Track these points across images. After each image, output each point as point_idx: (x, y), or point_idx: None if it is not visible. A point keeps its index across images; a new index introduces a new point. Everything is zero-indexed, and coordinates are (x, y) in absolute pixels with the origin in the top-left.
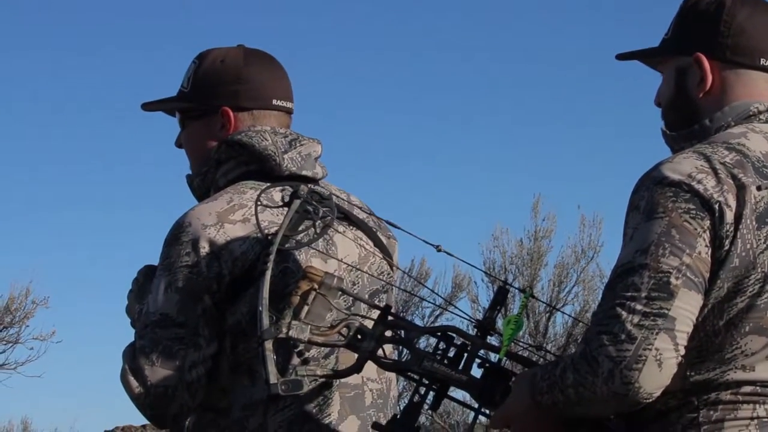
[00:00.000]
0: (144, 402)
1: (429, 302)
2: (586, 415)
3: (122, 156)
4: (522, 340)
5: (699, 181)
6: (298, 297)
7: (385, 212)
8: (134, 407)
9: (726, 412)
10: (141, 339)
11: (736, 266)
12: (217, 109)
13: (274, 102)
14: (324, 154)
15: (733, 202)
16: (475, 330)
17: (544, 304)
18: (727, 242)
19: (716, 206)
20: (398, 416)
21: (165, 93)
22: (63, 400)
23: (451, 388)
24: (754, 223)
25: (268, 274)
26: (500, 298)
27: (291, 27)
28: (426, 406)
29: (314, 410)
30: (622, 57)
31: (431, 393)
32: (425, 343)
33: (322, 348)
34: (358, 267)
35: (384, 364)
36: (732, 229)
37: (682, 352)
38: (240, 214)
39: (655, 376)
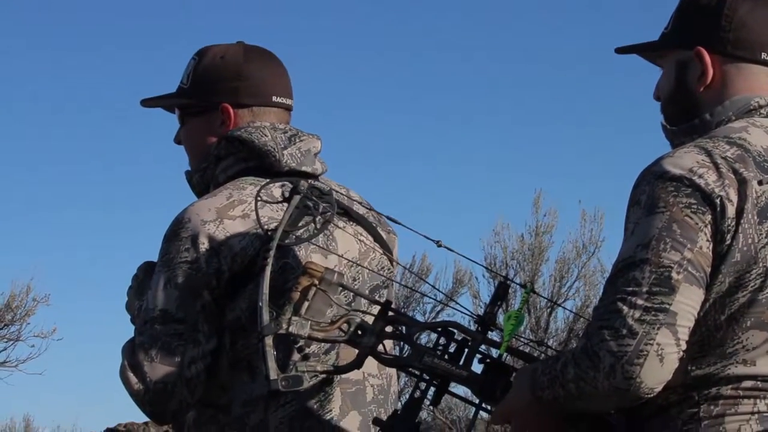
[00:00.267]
0: (143, 398)
1: (430, 298)
2: (586, 409)
3: (122, 154)
4: (523, 335)
5: (700, 176)
6: (299, 293)
7: (386, 208)
8: (135, 403)
9: (727, 407)
10: (140, 335)
11: (738, 261)
12: (216, 106)
13: (274, 99)
14: (325, 150)
15: (734, 197)
16: (476, 325)
17: (546, 300)
18: (728, 237)
19: (717, 201)
20: (399, 412)
21: (164, 91)
22: (64, 397)
23: (452, 384)
24: (755, 217)
25: (268, 270)
26: (501, 294)
27: (292, 25)
28: (427, 402)
29: (315, 406)
30: (621, 51)
31: (432, 389)
32: (426, 338)
33: (323, 344)
34: (358, 262)
35: (384, 360)
36: (733, 223)
37: (684, 347)
38: (239, 210)
39: (657, 371)
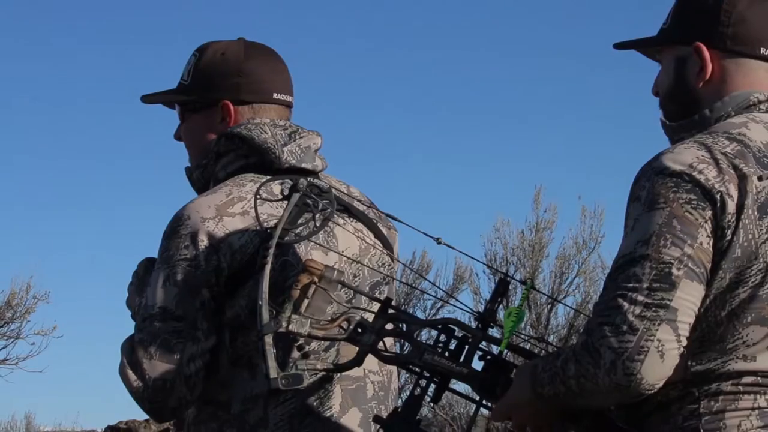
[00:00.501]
0: (142, 395)
1: (430, 295)
2: (587, 406)
3: (123, 151)
4: (523, 331)
5: (700, 171)
6: (299, 290)
7: (385, 205)
8: (134, 400)
9: (727, 403)
10: (139, 332)
11: (738, 257)
12: (217, 102)
13: (275, 95)
14: (325, 147)
15: (734, 192)
16: (476, 322)
17: (544, 295)
18: (728, 232)
19: (718, 196)
20: (399, 409)
21: (165, 87)
22: (65, 395)
23: (453, 381)
24: (755, 213)
25: (268, 267)
26: (501, 290)
27: (292, 21)
28: (427, 399)
29: (315, 403)
30: (619, 46)
31: (432, 386)
32: (426, 335)
33: (323, 341)
34: (358, 260)
35: (385, 358)
36: (734, 219)
37: (684, 343)
38: (239, 207)
39: (658, 367)
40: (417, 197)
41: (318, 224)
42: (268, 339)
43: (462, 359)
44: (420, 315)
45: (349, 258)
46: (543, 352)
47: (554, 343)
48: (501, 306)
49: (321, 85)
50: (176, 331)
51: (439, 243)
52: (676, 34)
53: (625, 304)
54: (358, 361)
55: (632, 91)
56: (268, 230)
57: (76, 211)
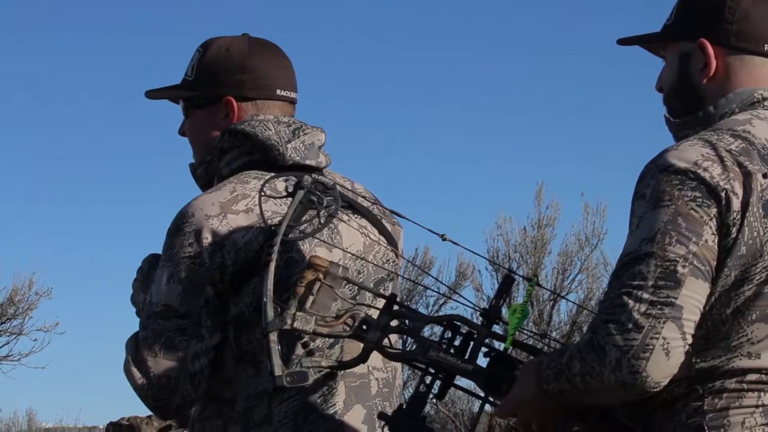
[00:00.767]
0: (147, 393)
1: (433, 291)
2: (592, 403)
3: (126, 147)
4: (526, 328)
5: (705, 169)
6: (303, 287)
7: (388, 201)
8: (139, 398)
9: (731, 400)
10: (144, 330)
11: (743, 254)
12: (220, 99)
13: (279, 92)
14: (329, 143)
15: (739, 190)
16: (481, 319)
17: (549, 292)
18: (734, 230)
19: (723, 194)
20: (404, 406)
21: (170, 82)
22: (67, 391)
23: (457, 377)
24: (760, 210)
25: (272, 265)
26: (506, 287)
27: (296, 17)
28: (432, 396)
29: (319, 400)
30: (623, 42)
31: (437, 382)
32: (429, 331)
33: (327, 338)
34: (362, 256)
35: (390, 354)
36: (739, 217)
37: (690, 340)
38: (243, 204)
39: (663, 365)
40: (419, 194)
41: (323, 221)
42: (273, 336)
43: (467, 356)
44: (423, 311)
45: (353, 254)
46: (546, 348)
47: (557, 339)
48: (505, 303)
49: (324, 81)
50: (180, 329)
51: (444, 240)
52: (680, 31)
53: (631, 302)
54: (363, 358)
55: (635, 88)
56: (273, 227)
57: (78, 208)
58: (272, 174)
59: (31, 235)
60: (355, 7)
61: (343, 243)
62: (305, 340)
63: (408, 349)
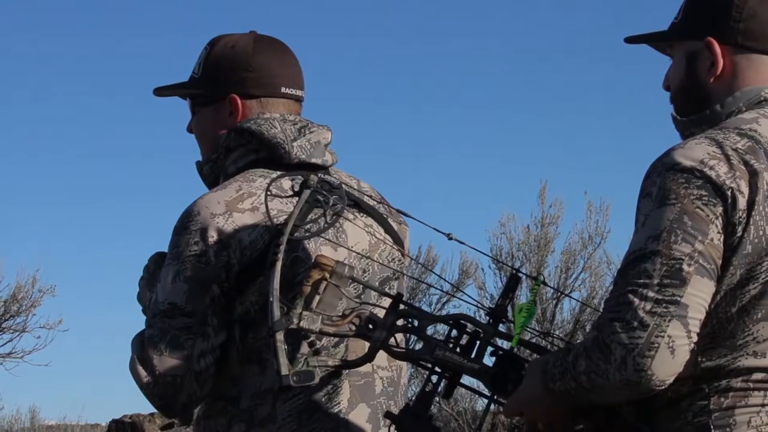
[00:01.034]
0: (152, 391)
1: (437, 288)
2: (598, 402)
3: (131, 145)
4: (529, 326)
5: (711, 168)
6: (309, 286)
7: (392, 200)
8: (142, 396)
9: (737, 399)
10: (149, 328)
11: (749, 253)
12: (225, 96)
13: (283, 90)
14: (335, 141)
15: (745, 189)
16: (487, 318)
17: (552, 290)
18: (739, 229)
19: (729, 192)
20: (410, 405)
21: (179, 80)
22: (70, 389)
23: (463, 376)
24: (766, 209)
25: (279, 264)
26: (512, 286)
27: (300, 16)
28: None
29: (324, 399)
30: (630, 40)
31: (443, 381)
32: (432, 330)
33: (332, 337)
34: (368, 255)
35: (396, 353)
36: (744, 215)
37: (695, 339)
38: (249, 202)
39: (668, 364)
40: (422, 192)
41: (329, 220)
42: (280, 336)
43: (473, 355)
44: (426, 309)
45: (358, 253)
46: (550, 347)
47: (560, 337)
48: (510, 302)
49: (328, 80)
50: (186, 327)
51: (451, 239)
52: (687, 29)
53: (636, 300)
54: (369, 357)
55: (639, 86)
56: (279, 226)
57: (82, 205)
58: (278, 173)
59: (34, 233)
60: (356, 6)
61: (348, 242)
62: (312, 339)
63: (412, 347)
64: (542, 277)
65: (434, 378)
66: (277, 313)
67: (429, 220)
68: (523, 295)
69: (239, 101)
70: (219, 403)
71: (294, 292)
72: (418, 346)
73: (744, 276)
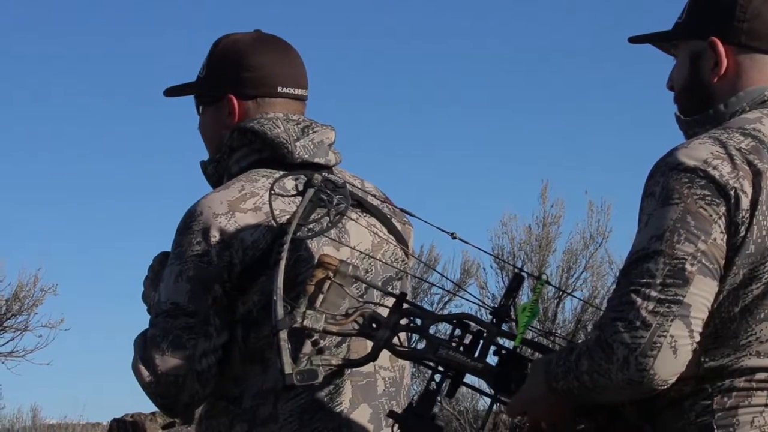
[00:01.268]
0: (154, 391)
1: (439, 287)
2: (601, 401)
3: (132, 144)
4: (531, 326)
5: (715, 167)
6: (313, 285)
7: (394, 200)
8: (144, 395)
9: (740, 399)
10: (152, 328)
11: (752, 253)
12: (224, 96)
13: (280, 89)
14: (339, 141)
15: (748, 188)
16: (491, 317)
17: (555, 288)
18: (742, 228)
19: (732, 192)
20: (413, 404)
21: (177, 80)
22: (72, 387)
23: (466, 375)
24: None
25: (283, 263)
26: (515, 285)
27: (300, 16)
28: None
29: (325, 399)
30: (634, 40)
31: (447, 381)
32: (434, 329)
33: (334, 336)
34: (371, 254)
35: (399, 353)
36: (748, 215)
37: (698, 338)
38: (251, 202)
39: (670, 363)
40: (424, 192)
41: (332, 220)
42: (283, 335)
43: (477, 354)
44: (428, 308)
45: (361, 253)
46: (553, 346)
47: (562, 336)
48: (514, 301)
49: (330, 80)
50: (188, 327)
51: (454, 238)
52: (691, 29)
53: (639, 300)
54: (373, 357)
55: (640, 86)
56: (282, 226)
57: (83, 204)
58: (282, 173)
59: (36, 232)
60: (356, 6)
61: (351, 241)
62: (315, 338)
63: (414, 346)
64: (545, 277)
65: (437, 377)
66: (280, 312)
67: (431, 220)
68: (524, 295)
69: (235, 102)
70: (221, 403)
71: (296, 291)
72: (421, 345)
73: (747, 276)
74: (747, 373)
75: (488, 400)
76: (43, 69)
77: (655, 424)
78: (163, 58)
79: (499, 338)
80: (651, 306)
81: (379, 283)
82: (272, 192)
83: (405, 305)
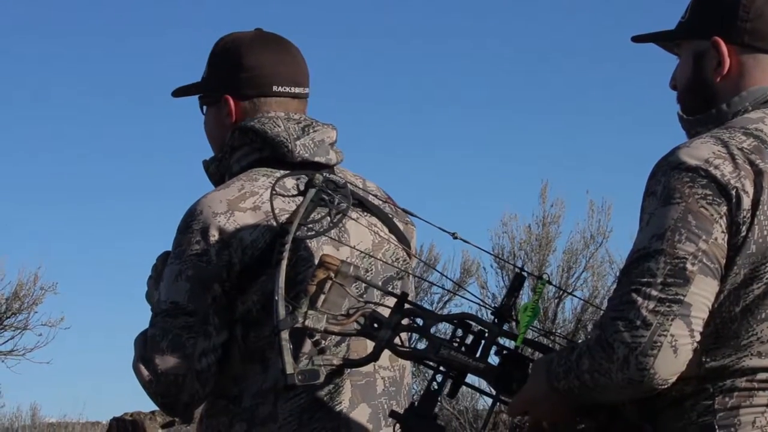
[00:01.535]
0: (154, 390)
1: (439, 287)
2: (602, 401)
3: (133, 143)
4: (532, 325)
5: (716, 167)
6: (315, 286)
7: (395, 199)
8: (144, 394)
9: (741, 399)
10: (152, 327)
11: (753, 253)
12: (221, 97)
13: (275, 89)
14: (341, 140)
15: (750, 188)
16: (492, 317)
17: (556, 288)
18: (744, 228)
19: (733, 192)
20: (415, 404)
21: (177, 80)
22: (71, 386)
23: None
24: None
25: (284, 263)
26: (517, 285)
27: (299, 16)
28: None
29: (325, 398)
30: (637, 39)
31: (449, 381)
32: (434, 328)
33: (339, 336)
34: (371, 254)
35: (401, 353)
36: (749, 215)
37: (698, 338)
38: (251, 201)
39: (671, 363)
40: (424, 191)
41: (334, 220)
42: (285, 335)
43: (478, 354)
44: (428, 308)
45: (361, 252)
46: (554, 346)
47: (563, 336)
48: (515, 301)
49: (331, 80)
50: (188, 327)
51: (456, 238)
52: (694, 29)
53: (639, 299)
54: (374, 357)
55: (640, 85)
56: (282, 225)
57: (83, 203)
58: (284, 172)
59: (36, 231)
60: (356, 5)
61: (351, 241)
62: (317, 338)
63: (415, 346)
64: (547, 276)
65: (439, 377)
66: (282, 312)
67: (431, 220)
68: (524, 295)
69: (232, 102)
70: (221, 402)
71: (295, 291)
72: (422, 345)
73: (748, 276)
74: (748, 373)
75: (489, 400)
76: (43, 69)
77: (656, 424)
78: (163, 58)
79: (500, 338)
80: (651, 305)
81: (380, 283)
82: (273, 192)
83: (406, 305)
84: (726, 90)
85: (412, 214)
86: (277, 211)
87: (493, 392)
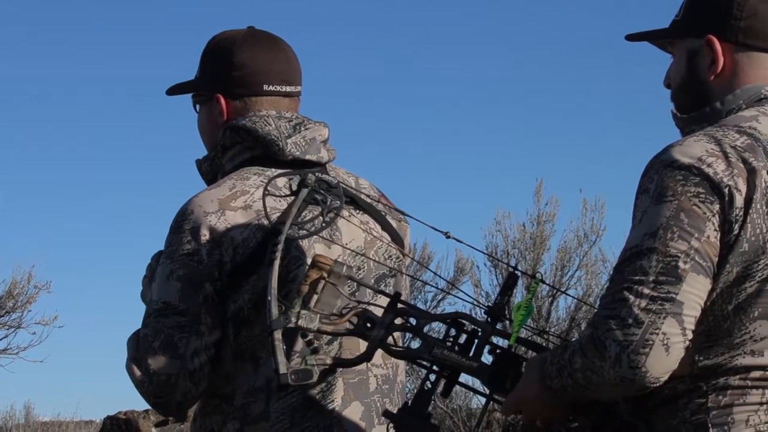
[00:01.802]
0: (147, 390)
1: (432, 286)
2: (594, 399)
3: (127, 142)
4: (526, 324)
5: (709, 165)
6: (308, 286)
7: (388, 197)
8: (137, 393)
9: (735, 397)
10: (144, 327)
11: (746, 251)
12: (213, 96)
13: (266, 87)
14: (334, 138)
15: (743, 186)
16: (485, 316)
17: (549, 287)
18: (736, 227)
19: (726, 190)
20: (409, 403)
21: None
22: (65, 385)
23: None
24: (764, 207)
25: (277, 263)
26: (510, 284)
27: (299, 15)
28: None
29: (317, 396)
30: (631, 37)
31: (442, 380)
32: (428, 328)
33: (332, 336)
34: (363, 252)
35: (394, 352)
36: (742, 213)
37: (690, 336)
38: (241, 200)
39: (663, 361)
40: (417, 190)
41: (326, 220)
42: (278, 334)
43: (472, 353)
44: (421, 307)
45: (352, 251)
46: (548, 345)
47: (556, 334)
48: (508, 300)
49: (326, 79)
50: (180, 326)
51: (448, 237)
52: (688, 27)
53: (631, 297)
54: (367, 356)
55: (634, 84)
56: (274, 224)
57: (78, 201)
58: (276, 171)
59: (30, 229)
60: (356, 5)
61: (342, 239)
62: (310, 338)
63: (408, 345)
64: (540, 275)
65: (432, 377)
66: (275, 311)
67: (425, 218)
68: (518, 294)
69: (223, 101)
70: (214, 401)
71: (286, 289)
72: (415, 344)
73: (740, 274)
74: (742, 372)
75: (482, 399)
76: (43, 69)
77: (650, 422)
78: (163, 57)
79: (493, 337)
80: (643, 303)
81: (372, 281)
82: (267, 193)
83: (399, 305)
84: (720, 88)
85: (405, 214)
86: (269, 210)
87: (487, 391)
